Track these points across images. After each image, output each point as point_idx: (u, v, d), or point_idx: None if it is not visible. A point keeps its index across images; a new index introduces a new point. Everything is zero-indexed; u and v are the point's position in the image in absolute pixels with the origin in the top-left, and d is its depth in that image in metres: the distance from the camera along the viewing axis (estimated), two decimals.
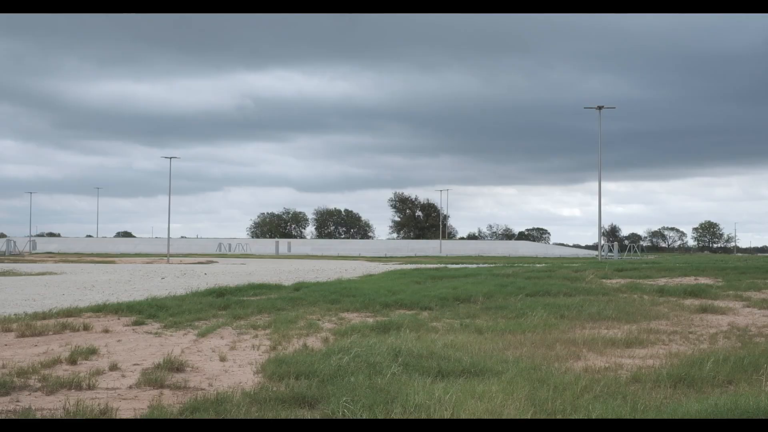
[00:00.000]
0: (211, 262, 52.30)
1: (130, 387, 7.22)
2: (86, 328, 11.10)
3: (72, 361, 8.36)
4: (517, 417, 5.90)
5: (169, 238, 66.29)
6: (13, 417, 5.87)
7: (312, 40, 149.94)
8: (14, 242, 76.91)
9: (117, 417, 5.91)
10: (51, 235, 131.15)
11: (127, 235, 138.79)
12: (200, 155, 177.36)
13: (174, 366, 8.06)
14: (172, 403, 6.38)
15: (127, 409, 6.23)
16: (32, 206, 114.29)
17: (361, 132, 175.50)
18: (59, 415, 5.91)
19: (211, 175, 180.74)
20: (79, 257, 61.99)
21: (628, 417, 5.89)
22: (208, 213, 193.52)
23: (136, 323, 11.73)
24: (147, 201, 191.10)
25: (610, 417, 5.89)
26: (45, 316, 12.40)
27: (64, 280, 24.73)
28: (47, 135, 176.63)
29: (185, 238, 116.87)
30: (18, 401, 6.53)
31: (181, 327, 11.35)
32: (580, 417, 5.93)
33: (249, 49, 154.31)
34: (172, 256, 61.93)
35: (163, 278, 26.05)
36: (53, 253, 79.16)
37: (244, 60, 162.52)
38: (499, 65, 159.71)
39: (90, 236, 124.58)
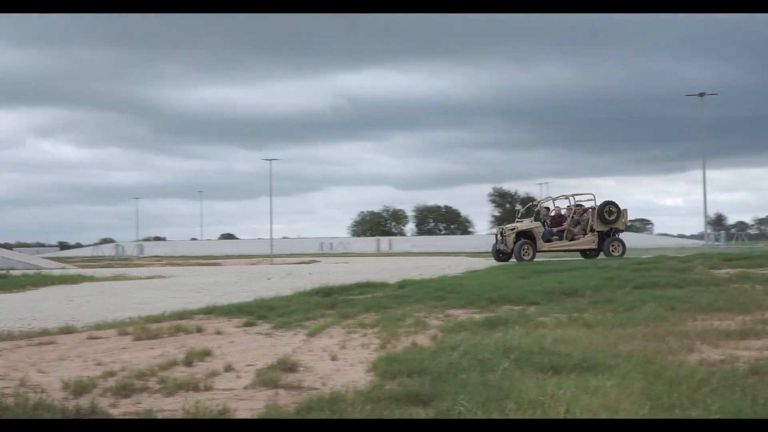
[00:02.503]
0: (314, 261, 52.74)
1: (246, 387, 7.33)
2: (199, 330, 11.30)
3: (188, 362, 8.53)
4: (633, 411, 5.83)
5: (271, 238, 67.16)
6: (135, 418, 6.02)
7: (407, 39, 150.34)
8: (122, 247, 78.77)
9: (235, 417, 6.01)
10: (157, 239, 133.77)
11: (230, 237, 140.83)
12: (298, 156, 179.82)
13: (287, 366, 8.15)
14: (287, 403, 6.47)
15: (244, 410, 6.34)
16: (138, 211, 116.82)
17: (457, 128, 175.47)
18: (179, 416, 6.04)
19: (310, 176, 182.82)
20: (186, 260, 63.07)
21: (748, 410, 5.79)
22: (309, 213, 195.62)
23: (247, 324, 11.90)
24: (248, 203, 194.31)
25: (729, 410, 5.79)
26: (159, 319, 12.64)
27: (173, 283, 25.19)
28: (149, 141, 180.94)
29: (287, 238, 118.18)
30: (139, 403, 6.69)
31: (291, 327, 11.48)
32: (698, 411, 5.84)
33: (344, 50, 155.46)
34: (275, 256, 62.66)
35: (269, 279, 26.35)
36: (160, 256, 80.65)
37: (340, 60, 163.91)
38: (595, 56, 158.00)
39: (194, 239, 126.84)
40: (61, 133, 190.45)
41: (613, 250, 32.03)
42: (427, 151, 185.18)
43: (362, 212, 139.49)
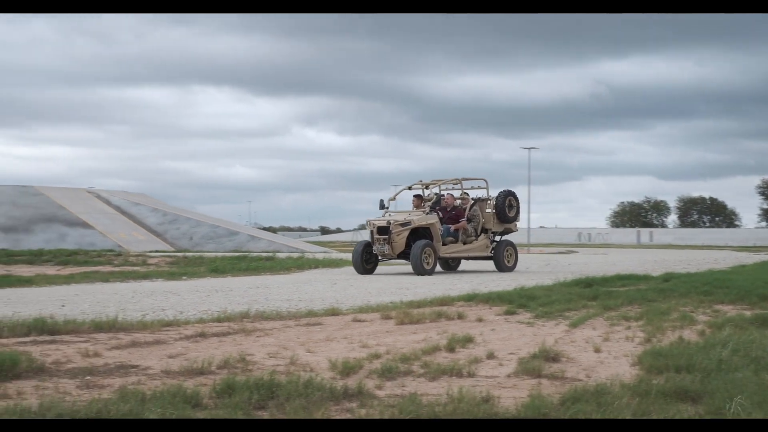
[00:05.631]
0: (572, 251, 52.17)
1: (508, 376, 7.29)
2: (460, 316, 11.38)
3: (450, 348, 8.58)
4: None
5: (528, 228, 66.82)
6: (399, 400, 6.07)
7: (675, 25, 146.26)
8: None
9: (499, 405, 5.97)
10: None
11: None
12: (556, 145, 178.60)
13: (549, 356, 8.06)
14: (551, 393, 6.38)
15: (507, 397, 6.30)
16: (397, 198, 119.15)
17: (724, 117, 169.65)
18: (443, 401, 6.05)
19: (567, 165, 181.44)
20: None
21: None
22: (566, 203, 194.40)
23: (508, 312, 11.88)
24: None
25: None
26: (420, 304, 12.85)
27: None
28: (408, 129, 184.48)
29: (544, 227, 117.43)
30: (404, 386, 6.77)
31: (552, 317, 11.37)
32: None
33: (609, 36, 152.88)
34: (532, 245, 62.35)
35: (527, 268, 26.27)
36: None
37: (603, 47, 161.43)
38: None
39: None
40: (324, 121, 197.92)
41: (507, 260, 24.42)
42: (691, 141, 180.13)
43: (621, 202, 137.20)
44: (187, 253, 37.01)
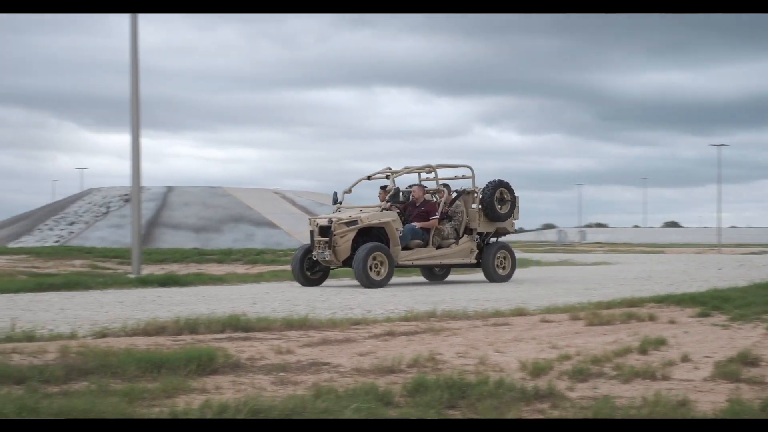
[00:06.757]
0: (765, 252, 50.30)
1: (705, 379, 7.07)
2: (651, 318, 11.09)
3: (642, 350, 8.37)
4: None
5: (719, 227, 64.93)
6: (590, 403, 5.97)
7: None
8: (565, 233, 79.70)
9: (696, 410, 5.80)
10: (599, 225, 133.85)
11: (673, 225, 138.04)
12: (747, 142, 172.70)
13: (748, 360, 7.76)
14: (751, 398, 6.15)
15: (704, 402, 6.11)
16: (580, 197, 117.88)
17: None
18: (637, 404, 5.91)
19: (759, 162, 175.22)
20: (628, 247, 62.69)
21: None
22: (758, 201, 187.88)
23: (701, 315, 11.50)
24: (693, 190, 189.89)
25: None
26: (609, 305, 12.60)
27: (619, 270, 25.09)
28: (592, 127, 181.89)
29: (735, 227, 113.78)
30: (596, 388, 6.65)
31: (749, 320, 10.93)
32: None
33: None
34: (722, 246, 60.51)
35: (719, 269, 25.49)
36: (601, 243, 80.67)
37: None
38: None
39: (636, 226, 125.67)
40: (505, 120, 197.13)
41: (499, 267, 19.45)
42: None
43: None
44: None
